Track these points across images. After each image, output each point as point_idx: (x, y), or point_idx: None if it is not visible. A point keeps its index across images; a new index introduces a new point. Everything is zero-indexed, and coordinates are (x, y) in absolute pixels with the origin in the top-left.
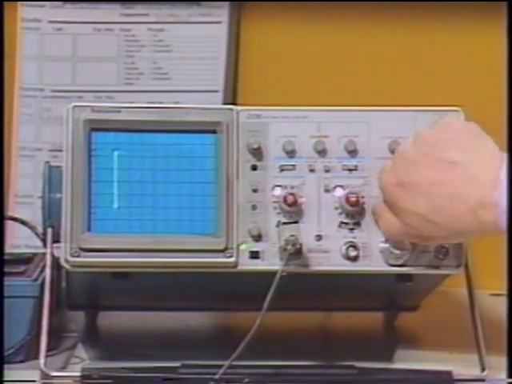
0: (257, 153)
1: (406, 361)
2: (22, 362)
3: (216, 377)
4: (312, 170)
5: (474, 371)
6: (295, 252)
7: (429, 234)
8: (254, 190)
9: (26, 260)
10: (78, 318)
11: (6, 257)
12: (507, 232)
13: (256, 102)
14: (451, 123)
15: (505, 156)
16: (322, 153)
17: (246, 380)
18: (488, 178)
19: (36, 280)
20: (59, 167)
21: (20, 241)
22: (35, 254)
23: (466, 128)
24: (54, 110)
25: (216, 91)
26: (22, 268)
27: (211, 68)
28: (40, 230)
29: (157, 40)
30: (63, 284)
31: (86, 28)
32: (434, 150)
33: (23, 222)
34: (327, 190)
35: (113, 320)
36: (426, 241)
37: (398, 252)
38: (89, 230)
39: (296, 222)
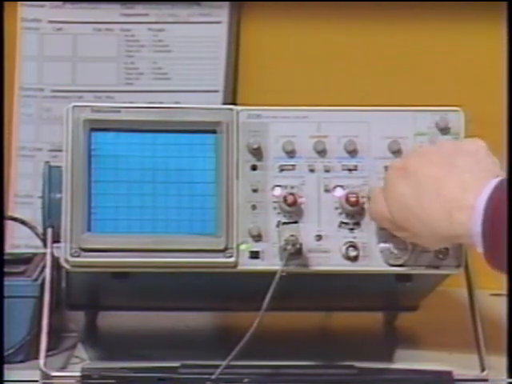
0: (257, 153)
1: (406, 361)
2: (22, 361)
3: (213, 377)
4: (312, 170)
5: (474, 371)
6: (295, 252)
7: (408, 227)
8: (254, 190)
9: (26, 260)
10: (78, 318)
11: (6, 257)
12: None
13: (256, 101)
14: (476, 141)
15: (504, 177)
16: (321, 153)
17: (246, 380)
18: (477, 188)
19: (36, 280)
20: (59, 167)
21: (20, 241)
22: (35, 254)
23: (487, 150)
24: (54, 110)
25: (216, 91)
26: (21, 268)
27: (211, 68)
28: (40, 230)
29: (157, 40)
30: (63, 284)
31: (86, 28)
32: (448, 153)
33: (23, 222)
34: (327, 190)
35: (113, 320)
36: (405, 234)
37: (397, 252)
38: (89, 230)
39: (296, 222)
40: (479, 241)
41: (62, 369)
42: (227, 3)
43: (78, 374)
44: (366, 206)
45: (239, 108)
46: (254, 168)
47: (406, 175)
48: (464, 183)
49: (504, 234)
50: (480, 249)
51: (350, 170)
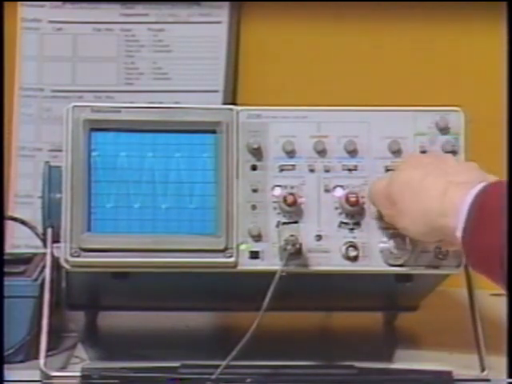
0: (257, 153)
1: (406, 361)
2: (22, 362)
3: (213, 377)
4: (312, 170)
5: (474, 371)
6: (295, 252)
7: (399, 200)
8: (254, 190)
9: (26, 260)
10: (78, 318)
11: (6, 257)
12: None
13: (256, 101)
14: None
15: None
16: (321, 153)
17: (249, 380)
18: (478, 179)
19: (36, 280)
20: (59, 167)
21: (20, 241)
22: (35, 254)
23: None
24: (54, 110)
25: (216, 91)
26: (21, 268)
27: (211, 68)
28: (40, 230)
29: (157, 40)
30: (63, 284)
31: (86, 28)
32: (465, 163)
33: (23, 222)
34: (327, 190)
35: (113, 320)
36: (392, 212)
37: (397, 252)
38: (89, 230)
39: (296, 222)
40: (462, 221)
41: (62, 369)
42: (227, 3)
43: (78, 373)
44: (365, 206)
45: (239, 108)
46: (253, 168)
47: (417, 165)
48: (470, 179)
49: (489, 221)
50: (459, 233)
51: (349, 170)
